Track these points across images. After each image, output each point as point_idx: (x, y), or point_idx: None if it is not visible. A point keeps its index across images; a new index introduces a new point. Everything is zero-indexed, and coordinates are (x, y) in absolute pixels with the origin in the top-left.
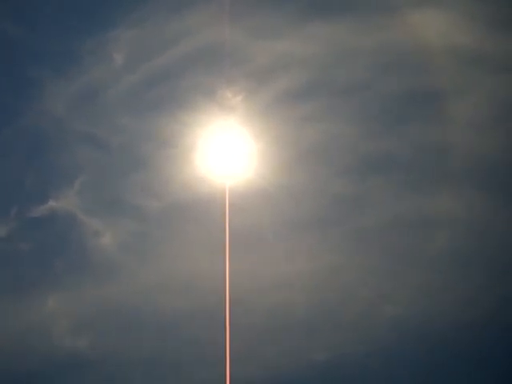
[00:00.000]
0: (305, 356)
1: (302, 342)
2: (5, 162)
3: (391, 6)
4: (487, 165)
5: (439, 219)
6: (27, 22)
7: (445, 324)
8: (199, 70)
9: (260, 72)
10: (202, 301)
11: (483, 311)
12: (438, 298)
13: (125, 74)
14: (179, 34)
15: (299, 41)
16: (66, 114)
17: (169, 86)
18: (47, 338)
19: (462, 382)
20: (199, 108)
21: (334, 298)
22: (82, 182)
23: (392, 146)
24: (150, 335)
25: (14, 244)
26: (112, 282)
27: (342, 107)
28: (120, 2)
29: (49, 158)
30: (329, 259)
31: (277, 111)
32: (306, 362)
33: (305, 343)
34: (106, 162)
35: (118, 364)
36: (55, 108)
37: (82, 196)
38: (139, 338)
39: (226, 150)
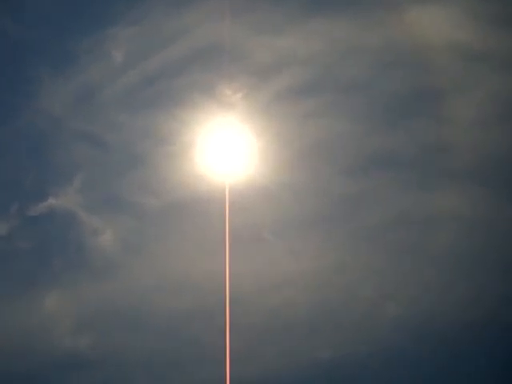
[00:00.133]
0: (307, 356)
1: (304, 342)
2: (3, 160)
3: (394, 3)
4: (491, 162)
5: (443, 217)
6: (25, 20)
7: (447, 323)
8: (199, 67)
9: (260, 69)
10: (202, 300)
11: (487, 310)
12: (441, 297)
13: (123, 71)
14: (178, 31)
15: (301, 37)
16: (64, 112)
17: (168, 83)
18: (46, 337)
19: (463, 380)
20: (199, 105)
21: (336, 297)
22: (81, 180)
23: (395, 144)
24: (150, 334)
25: (13, 242)
26: (111, 281)
27: (345, 104)
28: None
29: (47, 157)
30: (331, 258)
31: (278, 108)
32: (308, 362)
33: (307, 343)
34: (104, 159)
35: (118, 363)
36: (53, 106)
37: (81, 194)
38: (139, 337)
39: (227, 148)
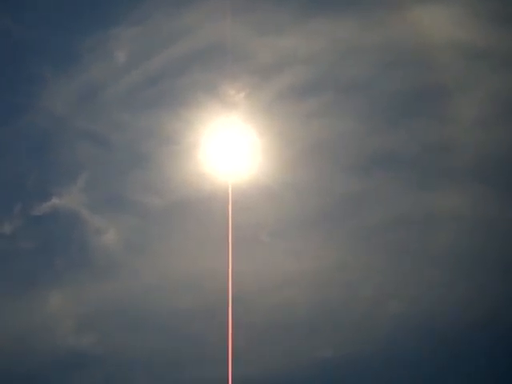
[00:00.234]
0: (308, 355)
1: (305, 341)
2: (6, 160)
3: (395, 3)
4: (492, 162)
5: (444, 217)
6: (28, 19)
7: (448, 323)
8: (202, 67)
9: (263, 68)
10: (204, 299)
11: (487, 310)
12: (441, 297)
13: (126, 71)
14: (181, 31)
15: (302, 37)
16: (67, 111)
17: (171, 83)
18: (49, 336)
19: (463, 380)
20: (202, 105)
21: (337, 297)
22: (85, 180)
23: (397, 143)
24: (152, 333)
25: (17, 241)
26: (114, 280)
27: (347, 104)
28: None
29: (51, 156)
30: (332, 257)
31: (280, 108)
32: (309, 362)
33: (308, 342)
34: (108, 159)
35: (120, 362)
36: (56, 106)
37: (85, 193)
38: (141, 336)
39: (229, 147)
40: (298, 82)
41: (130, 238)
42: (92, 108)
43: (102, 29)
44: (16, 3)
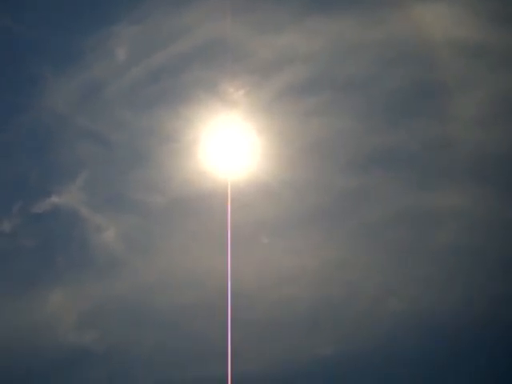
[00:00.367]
0: (308, 352)
1: (305, 339)
2: (6, 158)
3: (395, 1)
4: (492, 160)
5: (444, 215)
6: (28, 18)
7: (448, 321)
8: (201, 65)
9: (263, 66)
10: (204, 296)
11: (487, 309)
12: (442, 295)
13: (127, 69)
14: (180, 30)
15: (302, 35)
16: (67, 109)
17: (171, 81)
18: (50, 334)
19: (463, 380)
20: (201, 103)
21: (337, 294)
22: (85, 178)
23: (396, 141)
24: (153, 331)
25: (17, 240)
26: (115, 278)
27: (346, 102)
28: None
29: (51, 155)
30: (332, 255)
31: (280, 106)
32: (310, 358)
33: (308, 339)
34: (108, 157)
35: (122, 360)
36: (57, 104)
37: (85, 192)
38: (142, 333)
39: (229, 145)
40: (297, 81)
41: (131, 236)
42: (92, 107)
43: (102, 27)
44: (16, 3)
